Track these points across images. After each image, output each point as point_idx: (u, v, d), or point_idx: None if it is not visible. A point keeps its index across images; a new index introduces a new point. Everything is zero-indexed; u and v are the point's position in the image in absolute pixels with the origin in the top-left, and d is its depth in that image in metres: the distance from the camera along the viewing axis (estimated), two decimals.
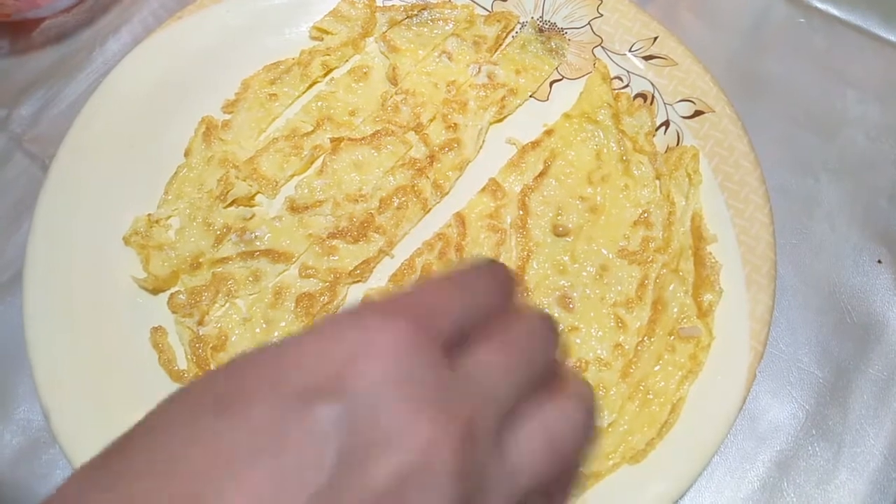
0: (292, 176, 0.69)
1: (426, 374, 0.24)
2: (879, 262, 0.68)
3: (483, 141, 0.70)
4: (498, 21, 0.73)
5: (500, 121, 0.71)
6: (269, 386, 0.23)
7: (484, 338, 0.27)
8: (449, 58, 0.73)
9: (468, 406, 0.24)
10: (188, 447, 0.23)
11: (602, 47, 0.72)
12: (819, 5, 0.79)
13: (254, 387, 0.24)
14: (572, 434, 0.27)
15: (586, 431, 0.28)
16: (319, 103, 0.71)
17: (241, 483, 0.21)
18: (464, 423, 0.23)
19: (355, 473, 0.22)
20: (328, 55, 0.72)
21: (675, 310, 0.62)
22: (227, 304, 0.64)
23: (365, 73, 0.72)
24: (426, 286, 0.28)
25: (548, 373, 0.29)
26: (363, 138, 0.69)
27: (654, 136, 0.69)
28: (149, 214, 0.66)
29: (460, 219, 0.66)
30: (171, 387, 0.61)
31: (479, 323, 0.28)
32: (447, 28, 0.73)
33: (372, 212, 0.67)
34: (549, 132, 0.70)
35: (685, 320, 0.61)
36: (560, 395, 0.28)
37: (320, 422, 0.22)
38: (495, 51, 0.73)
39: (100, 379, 0.59)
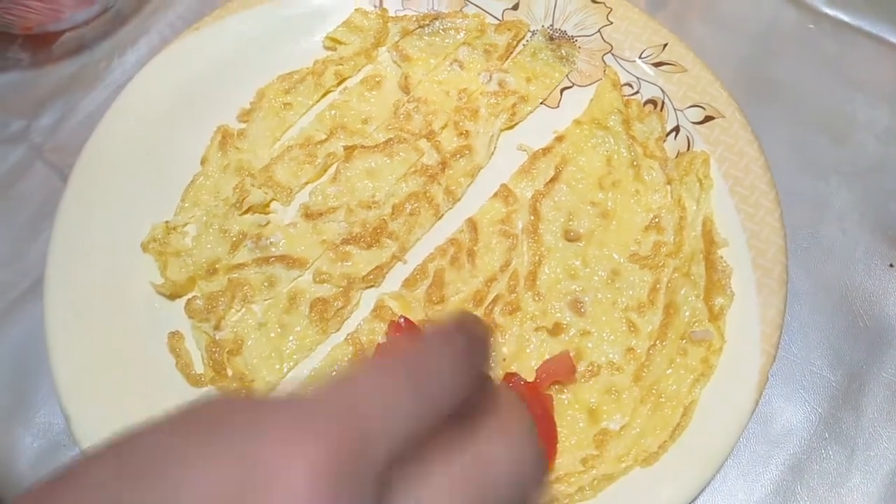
0: (306, 183, 0.70)
1: None
2: (891, 265, 0.68)
3: (494, 147, 0.71)
4: (508, 30, 0.74)
5: (511, 128, 0.72)
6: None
7: (441, 459, 0.22)
8: (460, 66, 0.73)
9: None
10: None
11: (612, 54, 0.72)
12: (828, 11, 0.80)
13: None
14: None
15: None
16: (333, 112, 0.72)
17: None
18: None
19: None
20: (341, 65, 0.73)
21: (687, 314, 0.62)
22: (243, 310, 0.65)
23: (377, 81, 0.73)
24: (371, 376, 0.23)
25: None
26: (376, 146, 0.70)
27: (664, 141, 0.70)
28: (166, 222, 0.67)
29: (472, 224, 0.67)
30: (188, 390, 0.62)
31: (433, 430, 0.22)
32: (458, 37, 0.74)
33: (385, 218, 0.67)
34: (559, 138, 0.70)
35: (697, 324, 0.62)
36: None
37: None
38: (506, 59, 0.74)
39: (119, 383, 0.60)
